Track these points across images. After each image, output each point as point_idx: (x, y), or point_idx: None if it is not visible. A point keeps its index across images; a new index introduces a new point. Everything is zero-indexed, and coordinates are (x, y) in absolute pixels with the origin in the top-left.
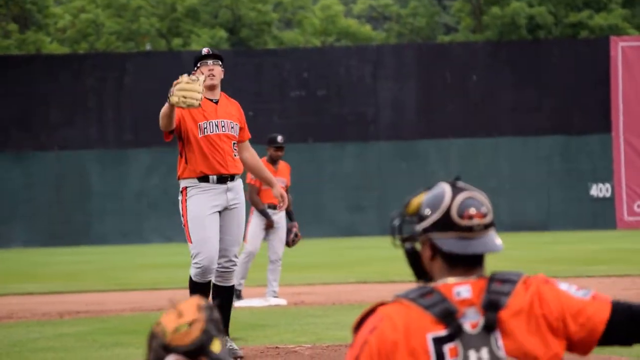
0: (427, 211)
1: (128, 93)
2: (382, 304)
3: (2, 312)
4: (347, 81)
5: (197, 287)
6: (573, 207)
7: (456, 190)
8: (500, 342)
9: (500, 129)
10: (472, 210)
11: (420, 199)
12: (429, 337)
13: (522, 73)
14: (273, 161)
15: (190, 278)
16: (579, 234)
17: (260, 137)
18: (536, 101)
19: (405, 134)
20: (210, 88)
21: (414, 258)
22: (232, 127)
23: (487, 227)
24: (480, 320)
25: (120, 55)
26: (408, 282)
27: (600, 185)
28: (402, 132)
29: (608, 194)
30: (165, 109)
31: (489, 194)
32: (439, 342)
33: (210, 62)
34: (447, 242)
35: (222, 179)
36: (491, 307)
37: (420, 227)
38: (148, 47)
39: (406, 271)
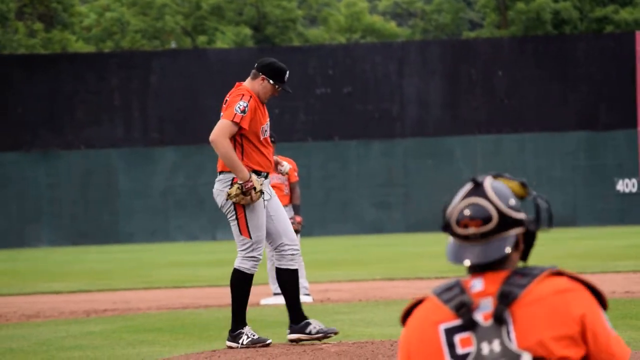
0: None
1: (154, 91)
2: (421, 300)
3: (30, 311)
4: (373, 78)
5: (248, 280)
6: (599, 202)
7: (468, 194)
8: (513, 335)
9: (526, 125)
10: (468, 219)
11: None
12: (441, 327)
13: (547, 68)
14: None
15: (240, 271)
16: (606, 230)
17: (286, 135)
18: (562, 96)
19: (431, 131)
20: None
21: None
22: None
23: (484, 235)
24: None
25: (146, 53)
26: (434, 279)
27: (627, 180)
28: (428, 129)
29: (634, 189)
30: (236, 167)
31: None
32: (450, 332)
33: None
34: (449, 247)
35: (266, 175)
36: (503, 298)
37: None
38: (173, 45)
39: (432, 268)
